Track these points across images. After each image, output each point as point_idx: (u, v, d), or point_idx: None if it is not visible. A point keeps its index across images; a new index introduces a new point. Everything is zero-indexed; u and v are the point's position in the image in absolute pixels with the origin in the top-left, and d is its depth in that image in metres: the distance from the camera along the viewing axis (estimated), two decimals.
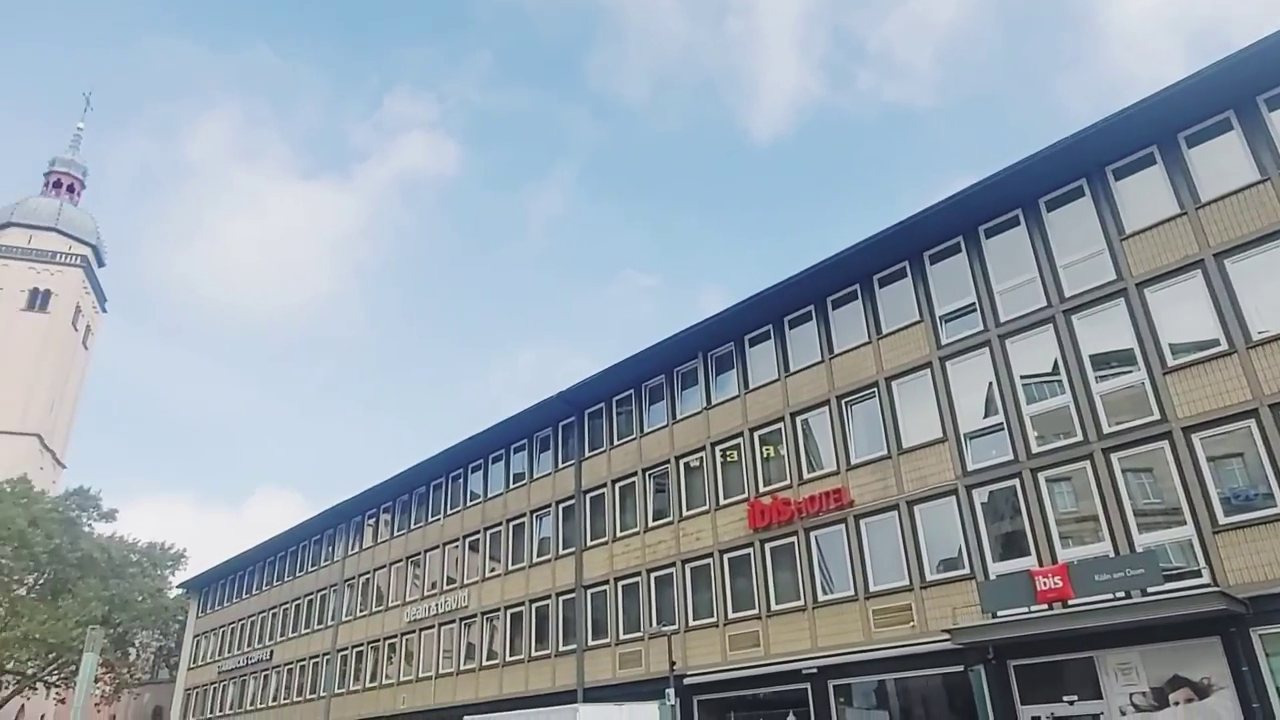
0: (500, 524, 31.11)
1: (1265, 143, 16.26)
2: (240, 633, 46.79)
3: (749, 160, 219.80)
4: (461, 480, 34.15)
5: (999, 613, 16.60)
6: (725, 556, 22.95)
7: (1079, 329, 17.82)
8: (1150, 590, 14.69)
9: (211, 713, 46.80)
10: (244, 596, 47.71)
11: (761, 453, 23.19)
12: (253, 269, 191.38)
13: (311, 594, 41.35)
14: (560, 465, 29.54)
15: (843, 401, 21.62)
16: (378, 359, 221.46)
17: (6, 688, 49.43)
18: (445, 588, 32.70)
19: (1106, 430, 16.78)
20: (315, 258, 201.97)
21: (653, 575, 24.83)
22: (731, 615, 22.29)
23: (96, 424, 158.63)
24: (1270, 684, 13.89)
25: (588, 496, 27.97)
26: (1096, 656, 15.78)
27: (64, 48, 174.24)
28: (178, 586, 56.12)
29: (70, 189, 79.47)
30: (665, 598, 24.30)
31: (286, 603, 43.14)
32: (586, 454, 28.56)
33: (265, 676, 42.82)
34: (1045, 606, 15.64)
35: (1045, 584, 15.59)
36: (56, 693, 54.36)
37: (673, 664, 20.90)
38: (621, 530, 26.35)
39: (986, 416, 18.81)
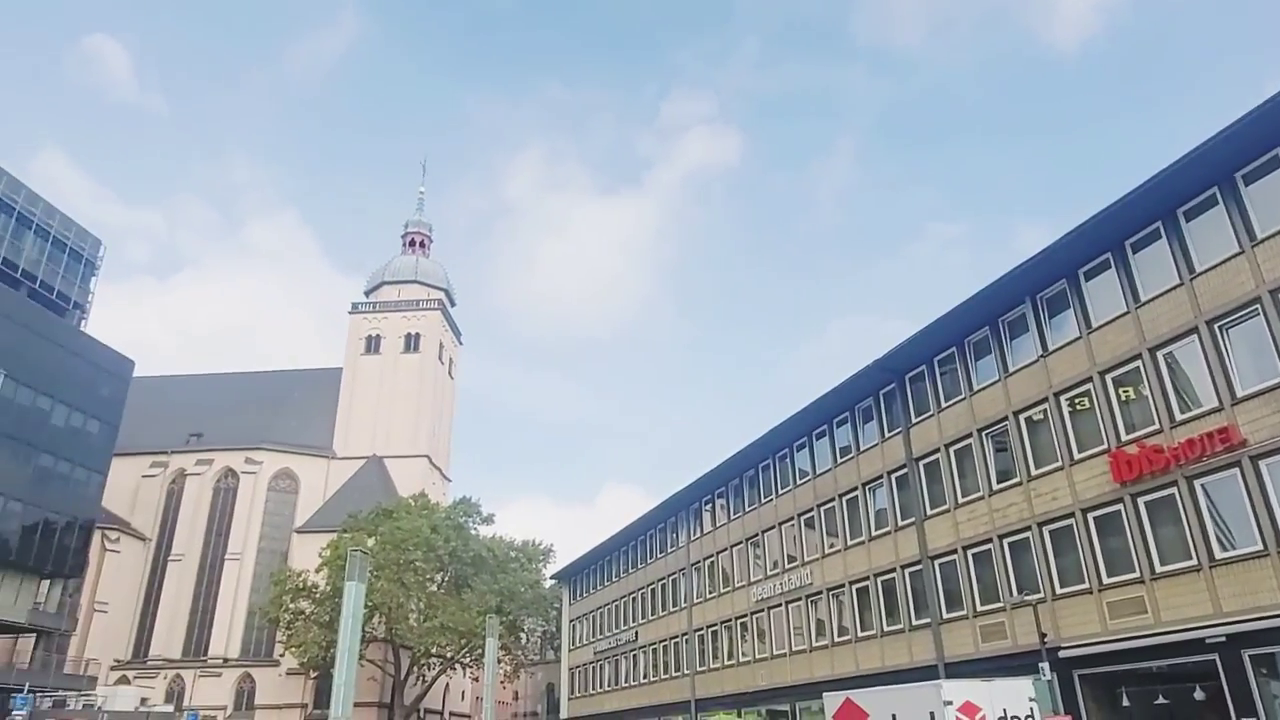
0: (833, 499, 30.83)
1: None
2: (607, 616, 51.55)
3: (1054, 78, 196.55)
4: (788, 459, 34.38)
5: None
6: (1089, 515, 20.63)
7: None
8: None
9: (593, 690, 52.11)
10: (606, 584, 52.48)
11: (1119, 396, 20.54)
12: (571, 286, 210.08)
13: (664, 578, 44.28)
14: (887, 435, 28.55)
15: (1215, 326, 18.42)
16: (691, 351, 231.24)
17: (434, 668, 59.38)
18: (787, 566, 33.15)
19: None
20: (622, 266, 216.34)
21: (1005, 541, 23.08)
22: (1107, 580, 19.95)
23: (466, 441, 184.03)
24: None
25: (920, 464, 26.72)
26: None
27: (402, 126, 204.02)
28: (550, 578, 63.50)
29: (421, 244, 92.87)
30: (1023, 564, 22.47)
31: (643, 588, 46.69)
32: (914, 420, 27.30)
33: (634, 657, 46.65)
34: None
35: None
36: (471, 672, 65.27)
37: (1043, 636, 19.29)
38: (963, 496, 24.82)
39: None
